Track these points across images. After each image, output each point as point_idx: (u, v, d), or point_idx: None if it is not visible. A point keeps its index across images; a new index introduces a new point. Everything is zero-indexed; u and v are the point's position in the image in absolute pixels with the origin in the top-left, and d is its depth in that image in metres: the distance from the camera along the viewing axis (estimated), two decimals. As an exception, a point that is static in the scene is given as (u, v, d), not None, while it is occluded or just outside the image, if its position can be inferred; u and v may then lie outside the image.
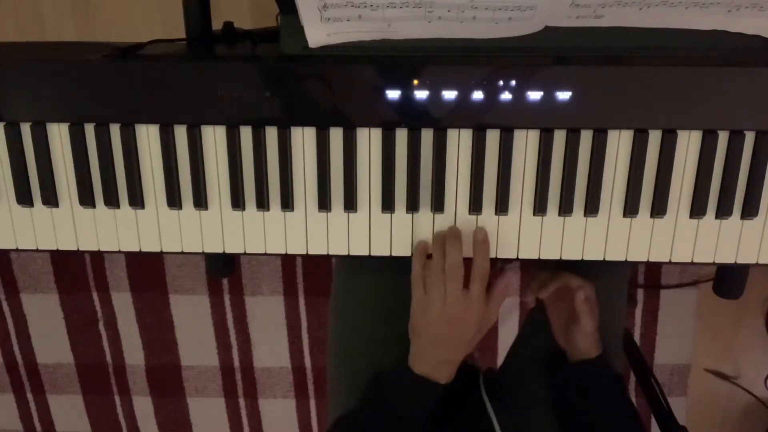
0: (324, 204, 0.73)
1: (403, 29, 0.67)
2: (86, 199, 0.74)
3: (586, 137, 0.70)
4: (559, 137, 0.70)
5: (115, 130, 0.72)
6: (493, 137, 0.71)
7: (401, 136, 0.71)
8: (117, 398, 1.80)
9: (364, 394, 0.81)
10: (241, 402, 1.78)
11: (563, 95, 0.68)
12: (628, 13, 0.65)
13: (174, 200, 0.74)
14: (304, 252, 0.76)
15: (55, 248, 0.78)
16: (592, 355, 0.81)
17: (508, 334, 1.62)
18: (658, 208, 0.72)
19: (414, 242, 0.75)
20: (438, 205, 0.73)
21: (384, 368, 0.80)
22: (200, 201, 0.74)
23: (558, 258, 0.75)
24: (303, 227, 0.75)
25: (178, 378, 1.76)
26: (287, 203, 0.74)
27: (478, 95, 0.68)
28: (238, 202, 0.74)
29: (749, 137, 0.70)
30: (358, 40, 0.68)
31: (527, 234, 0.75)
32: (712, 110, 0.68)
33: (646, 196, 0.72)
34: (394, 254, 0.76)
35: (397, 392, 0.77)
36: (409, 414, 0.76)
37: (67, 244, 0.78)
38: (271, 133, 0.72)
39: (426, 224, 0.75)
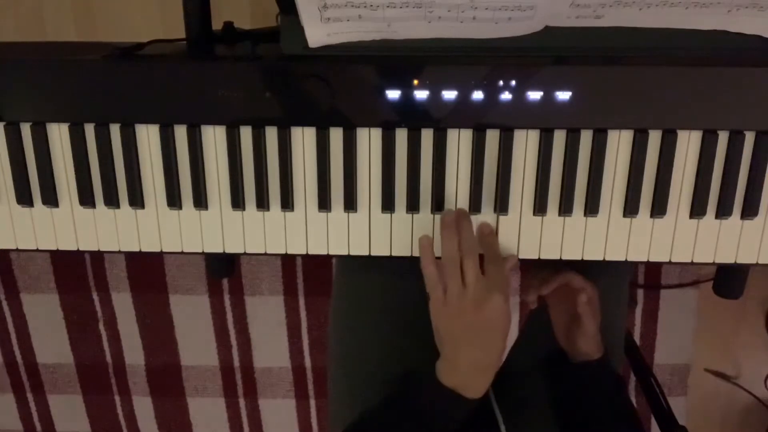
0: (324, 204, 0.73)
1: (403, 29, 0.67)
2: (86, 199, 0.74)
3: (586, 137, 0.70)
4: (559, 137, 0.70)
5: (115, 130, 0.72)
6: (493, 137, 0.71)
7: (401, 136, 0.71)
8: (117, 398, 1.80)
9: (388, 395, 0.78)
10: (241, 402, 1.78)
11: (563, 95, 0.68)
12: (628, 13, 0.65)
13: (174, 200, 0.74)
14: (304, 252, 0.76)
15: (55, 248, 0.78)
16: (594, 357, 0.81)
17: (508, 334, 1.62)
18: (658, 208, 0.72)
19: (414, 242, 0.75)
20: (438, 205, 0.73)
21: (415, 371, 0.76)
22: (200, 201, 0.74)
23: (558, 258, 0.75)
24: (303, 227, 0.75)
25: (178, 378, 1.76)
26: (287, 203, 0.74)
27: (478, 95, 0.68)
28: (238, 202, 0.74)
29: (749, 137, 0.70)
30: (358, 40, 0.68)
31: (527, 234, 0.75)
32: (712, 110, 0.68)
33: (646, 196, 0.72)
34: (394, 254, 0.76)
35: (421, 403, 0.73)
36: (431, 427, 0.72)
37: (67, 244, 0.78)
38: (271, 133, 0.72)
39: (426, 224, 0.75)
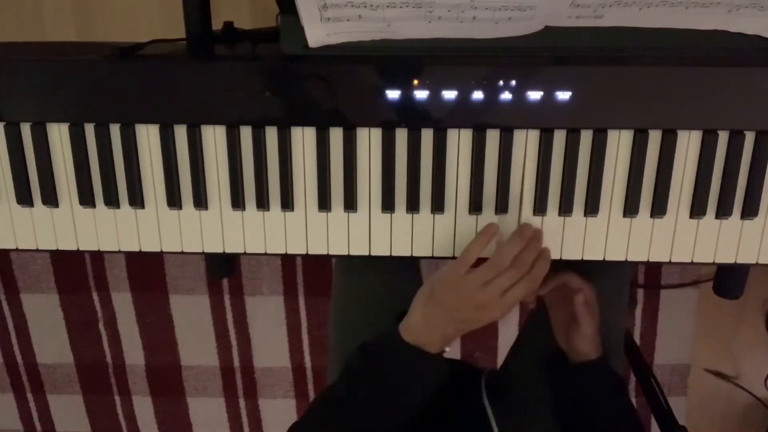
0: (324, 204, 0.73)
1: (403, 29, 0.67)
2: (86, 199, 0.74)
3: (586, 137, 0.70)
4: (559, 137, 0.71)
5: (115, 130, 0.72)
6: (493, 137, 0.71)
7: (401, 136, 0.71)
8: (117, 398, 1.80)
9: (347, 365, 0.77)
10: (241, 402, 1.78)
11: (563, 95, 0.68)
12: (628, 13, 0.65)
13: (174, 200, 0.74)
14: (304, 252, 0.76)
15: (55, 248, 0.78)
16: (592, 357, 0.81)
17: (507, 334, 1.62)
18: (658, 208, 0.72)
19: (413, 242, 0.75)
20: (438, 205, 0.73)
21: (369, 339, 0.77)
22: (200, 201, 0.74)
23: (558, 258, 0.75)
24: (303, 227, 0.75)
25: (178, 378, 1.76)
26: (287, 203, 0.74)
27: (478, 95, 0.68)
28: (238, 202, 0.74)
29: (749, 137, 0.70)
30: (358, 40, 0.68)
31: (527, 234, 0.75)
32: (712, 110, 0.68)
33: (646, 196, 0.72)
34: (394, 254, 0.76)
35: (386, 361, 0.74)
36: (399, 386, 0.73)
37: (67, 244, 0.78)
38: (271, 133, 0.72)
39: (426, 224, 0.75)
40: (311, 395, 1.76)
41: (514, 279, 0.70)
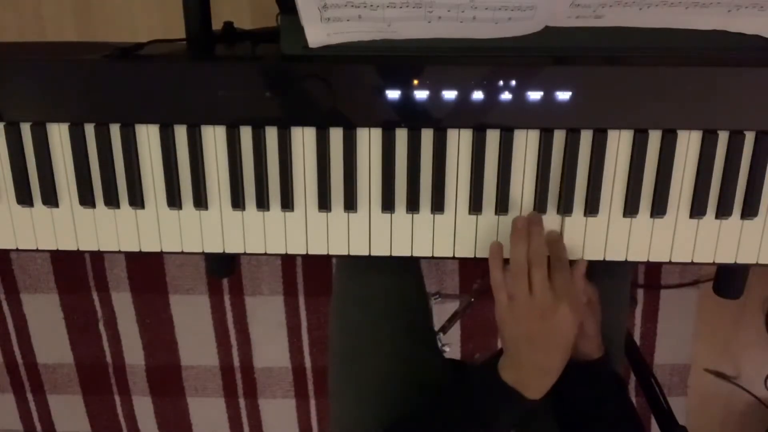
0: (324, 204, 0.73)
1: (403, 29, 0.67)
2: (86, 199, 0.74)
3: (586, 137, 0.70)
4: (559, 137, 0.71)
5: (115, 130, 0.72)
6: (493, 137, 0.71)
7: (401, 136, 0.71)
8: (117, 398, 1.80)
9: (443, 390, 0.77)
10: (241, 402, 1.78)
11: (563, 95, 0.68)
12: (628, 13, 0.65)
13: (174, 200, 0.74)
14: (304, 252, 0.76)
15: (55, 248, 0.78)
16: (594, 357, 0.81)
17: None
18: (658, 208, 0.72)
19: (413, 242, 0.75)
20: (438, 205, 0.73)
21: (473, 368, 0.77)
22: (200, 201, 0.74)
23: (558, 258, 0.75)
24: (303, 227, 0.75)
25: (178, 378, 1.76)
26: (287, 203, 0.74)
27: (478, 95, 0.68)
28: (238, 202, 0.74)
29: (749, 137, 0.70)
30: (358, 40, 0.68)
31: (527, 234, 0.74)
32: (712, 110, 0.68)
33: (646, 196, 0.72)
34: (394, 254, 0.76)
35: (480, 397, 0.73)
36: (487, 425, 0.72)
37: (67, 244, 0.78)
38: (271, 133, 0.72)
39: (426, 224, 0.75)
40: (311, 395, 1.76)
41: (543, 269, 0.70)
